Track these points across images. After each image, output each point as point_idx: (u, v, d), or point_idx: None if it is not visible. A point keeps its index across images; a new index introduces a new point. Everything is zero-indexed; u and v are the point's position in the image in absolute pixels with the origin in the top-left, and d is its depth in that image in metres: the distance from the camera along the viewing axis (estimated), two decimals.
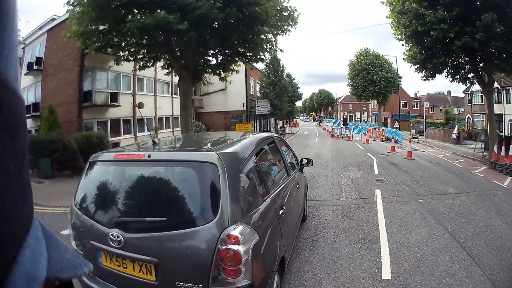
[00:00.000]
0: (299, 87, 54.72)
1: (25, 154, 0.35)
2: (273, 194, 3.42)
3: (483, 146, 17.52)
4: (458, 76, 17.39)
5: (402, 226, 6.20)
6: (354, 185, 9.81)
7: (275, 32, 12.97)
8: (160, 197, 2.78)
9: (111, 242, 2.62)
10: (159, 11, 9.61)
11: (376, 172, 12.16)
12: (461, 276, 4.17)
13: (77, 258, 0.41)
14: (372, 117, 61.61)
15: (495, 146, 13.74)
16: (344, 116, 42.63)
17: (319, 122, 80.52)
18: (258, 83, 36.77)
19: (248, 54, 13.82)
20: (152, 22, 9.38)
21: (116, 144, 16.22)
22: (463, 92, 37.28)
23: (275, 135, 5.17)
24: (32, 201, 0.37)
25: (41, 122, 14.96)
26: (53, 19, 18.74)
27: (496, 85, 23.88)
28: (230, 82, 19.75)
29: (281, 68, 37.00)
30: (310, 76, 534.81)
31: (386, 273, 4.30)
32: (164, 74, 16.58)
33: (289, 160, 5.23)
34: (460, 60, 17.02)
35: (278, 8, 11.91)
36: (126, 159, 3.02)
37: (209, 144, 3.74)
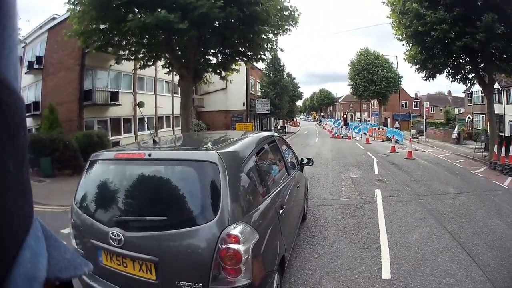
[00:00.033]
0: (299, 87, 54.85)
1: (25, 154, 0.35)
2: (273, 194, 3.42)
3: (483, 146, 17.52)
4: (458, 77, 17.40)
5: (402, 226, 6.20)
6: (354, 184, 9.81)
7: (275, 32, 12.96)
8: (161, 196, 2.78)
9: (111, 241, 2.62)
10: (159, 10, 9.60)
11: (376, 171, 12.16)
12: (461, 276, 4.17)
13: (77, 258, 0.41)
14: (373, 117, 61.60)
15: (495, 146, 13.73)
16: (345, 116, 42.68)
17: (319, 122, 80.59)
18: (258, 82, 36.77)
19: (248, 53, 13.81)
20: (153, 21, 9.38)
21: (116, 143, 16.23)
22: (463, 92, 37.30)
23: (276, 134, 5.17)
24: (32, 201, 0.37)
25: (42, 121, 14.96)
26: (54, 18, 18.74)
27: (496, 85, 23.89)
28: (230, 82, 19.80)
29: (282, 68, 37.01)
30: (311, 75, 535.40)
31: (386, 273, 4.30)
32: (165, 73, 16.56)
33: (289, 160, 5.23)
34: (461, 60, 17.03)
35: (279, 7, 11.90)
36: (127, 158, 3.02)
37: (209, 143, 3.73)
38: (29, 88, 18.86)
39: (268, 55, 15.39)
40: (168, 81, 24.10)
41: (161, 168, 2.86)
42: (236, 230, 2.44)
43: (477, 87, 25.56)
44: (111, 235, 2.62)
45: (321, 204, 7.77)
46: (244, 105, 31.66)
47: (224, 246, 2.38)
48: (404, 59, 17.92)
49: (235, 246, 2.39)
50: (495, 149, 13.64)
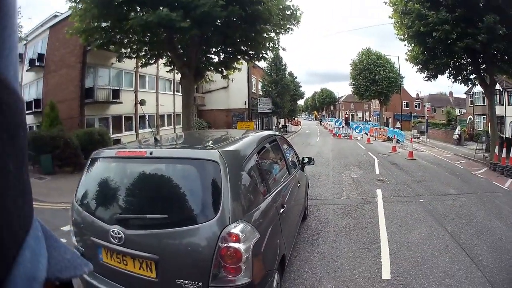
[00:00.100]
0: (301, 86, 54.72)
1: (25, 154, 0.35)
2: (274, 193, 3.42)
3: (484, 147, 17.53)
4: (460, 77, 17.38)
5: (402, 226, 6.20)
6: (355, 184, 9.80)
7: (277, 31, 12.96)
8: (161, 194, 2.78)
9: (111, 239, 2.62)
10: (161, 8, 9.62)
11: (377, 171, 12.15)
12: (460, 277, 4.17)
13: (77, 258, 0.40)
14: (374, 117, 61.61)
15: (496, 147, 13.72)
16: (346, 116, 42.73)
17: (320, 121, 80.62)
18: (260, 81, 36.79)
19: (250, 52, 13.82)
20: (155, 20, 9.39)
21: (117, 141, 16.28)
22: (465, 93, 37.22)
23: (277, 133, 5.16)
24: (32, 201, 0.37)
25: (43, 119, 14.99)
26: (55, 16, 18.77)
27: (498, 86, 23.82)
28: (232, 80, 19.78)
29: (283, 67, 37.03)
30: (313, 75, 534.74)
31: (386, 273, 4.30)
32: (166, 72, 16.59)
33: (290, 159, 5.23)
34: (462, 61, 17.01)
35: (281, 6, 11.90)
36: (128, 156, 3.01)
37: (210, 142, 3.73)
38: (30, 85, 18.90)
39: (269, 54, 15.38)
40: (170, 79, 24.13)
41: (162, 166, 2.87)
42: (236, 229, 2.44)
43: (478, 88, 25.54)
44: (111, 233, 2.62)
45: (322, 203, 7.76)
46: (245, 104, 31.68)
47: (225, 245, 2.38)
48: (405, 59, 17.94)
49: (236, 245, 2.39)
50: (496, 151, 13.63)
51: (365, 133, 33.36)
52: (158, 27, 10.63)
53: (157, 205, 2.73)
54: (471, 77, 17.35)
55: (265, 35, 12.64)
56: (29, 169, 0.37)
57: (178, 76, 16.35)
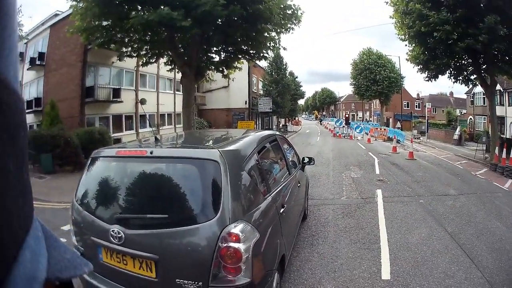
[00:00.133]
0: (301, 85, 54.66)
1: (25, 154, 0.35)
2: (274, 193, 3.42)
3: (484, 148, 17.54)
4: (460, 78, 17.39)
5: (402, 226, 6.20)
6: (355, 184, 9.80)
7: (278, 30, 12.94)
8: (162, 194, 2.78)
9: (111, 239, 2.62)
10: (162, 7, 9.61)
11: (377, 172, 12.15)
12: (460, 278, 4.17)
13: (77, 258, 0.40)
14: (374, 117, 61.60)
15: (497, 148, 13.72)
16: (347, 115, 42.66)
17: (320, 121, 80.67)
18: (260, 80, 36.77)
19: (251, 51, 13.80)
20: (156, 19, 9.38)
21: (118, 140, 16.28)
22: (465, 93, 37.24)
23: (277, 133, 5.16)
24: (32, 201, 0.37)
25: (43, 117, 14.99)
26: (56, 15, 18.79)
27: (498, 87, 23.83)
28: (233, 80, 19.74)
29: (284, 66, 36.97)
30: (314, 74, 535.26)
31: (385, 274, 4.30)
32: (167, 71, 16.58)
33: (290, 159, 5.23)
34: (463, 61, 17.00)
35: (282, 6, 11.88)
36: (128, 155, 3.01)
37: (211, 142, 3.73)
38: (30, 84, 18.93)
39: (270, 54, 15.40)
40: (170, 79, 24.13)
41: (162, 165, 2.87)
42: (236, 228, 2.44)
43: (479, 89, 25.58)
44: (111, 232, 2.62)
45: (322, 203, 7.76)
46: (246, 103, 31.66)
47: (225, 245, 2.38)
48: (406, 59, 17.94)
49: (236, 245, 2.39)
50: (496, 151, 13.64)
51: (366, 133, 33.37)
52: (159, 26, 10.63)
53: (157, 205, 2.73)
54: (472, 77, 17.36)
55: (266, 34, 12.63)
56: (29, 168, 0.37)
57: (178, 75, 16.38)
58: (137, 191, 2.87)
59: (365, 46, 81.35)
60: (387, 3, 16.66)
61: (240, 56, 14.18)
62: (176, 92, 24.51)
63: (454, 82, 17.70)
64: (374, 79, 42.62)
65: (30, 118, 17.30)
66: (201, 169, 2.66)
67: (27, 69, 18.62)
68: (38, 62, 17.85)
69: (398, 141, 24.35)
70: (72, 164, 11.85)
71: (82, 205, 3.02)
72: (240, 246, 2.40)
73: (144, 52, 13.10)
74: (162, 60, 14.98)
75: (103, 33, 11.50)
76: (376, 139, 30.09)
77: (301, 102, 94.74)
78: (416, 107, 58.40)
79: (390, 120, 52.42)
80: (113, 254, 2.71)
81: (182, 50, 12.85)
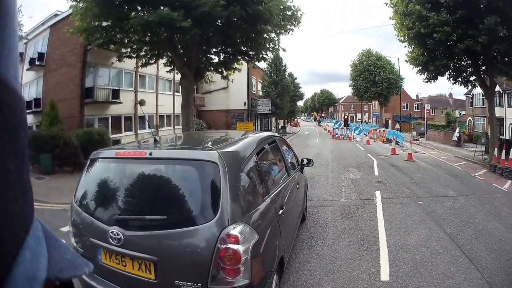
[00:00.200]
0: (300, 87, 54.75)
1: (25, 154, 0.35)
2: (273, 194, 3.42)
3: (483, 149, 17.55)
4: (460, 79, 17.40)
5: (401, 228, 6.20)
6: (354, 186, 9.80)
7: (278, 31, 12.95)
8: (161, 195, 2.77)
9: (110, 240, 2.62)
10: (162, 8, 9.61)
11: (376, 173, 12.16)
12: (459, 278, 4.17)
13: (77, 258, 0.40)
14: (373, 118, 61.61)
15: (496, 149, 13.72)
16: (346, 117, 42.77)
17: (318, 122, 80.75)
18: (260, 82, 36.79)
19: (250, 52, 13.80)
20: (156, 19, 9.39)
21: (117, 141, 16.27)
22: (464, 94, 37.26)
23: (276, 134, 5.16)
24: (33, 201, 0.37)
25: (42, 118, 14.99)
26: (56, 15, 18.78)
27: (497, 88, 23.86)
28: (232, 81, 19.75)
29: (283, 68, 37.04)
30: (313, 75, 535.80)
31: (384, 275, 4.30)
32: (166, 72, 16.59)
33: (289, 160, 5.23)
34: (462, 62, 17.00)
35: (282, 7, 11.90)
36: (127, 156, 3.01)
37: (210, 143, 3.73)
38: (30, 84, 18.88)
39: (270, 55, 15.38)
40: (170, 80, 24.12)
41: (161, 167, 2.86)
42: (235, 230, 2.44)
43: (478, 90, 25.56)
44: (110, 234, 2.62)
45: (321, 205, 7.76)
46: (245, 104, 31.66)
47: (224, 246, 2.38)
48: (405, 60, 17.95)
49: (235, 246, 2.39)
50: (495, 152, 13.63)
51: (365, 134, 33.35)
52: (158, 27, 10.64)
53: (156, 206, 2.73)
54: (471, 78, 17.36)
55: (265, 35, 12.63)
56: (29, 169, 0.37)
57: (178, 76, 16.35)
58: (136, 193, 2.87)
59: (364, 47, 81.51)
60: (386, 4, 16.70)
61: (240, 57, 14.19)
62: (175, 93, 24.50)
63: (453, 84, 17.72)
64: (373, 80, 42.67)
65: (29, 119, 17.24)
66: (200, 170, 2.66)
67: (27, 70, 18.58)
68: (37, 63, 17.82)
69: (397, 143, 24.41)
70: (72, 165, 11.83)
71: (81, 206, 3.01)
72: (239, 247, 2.40)
73: (143, 52, 13.10)
74: (162, 61, 15.00)
75: (103, 33, 11.51)
76: (375, 141, 30.09)
77: (300, 103, 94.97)
78: (415, 109, 58.38)
79: (389, 121, 52.37)
80: (112, 256, 2.70)
81: (181, 51, 12.86)
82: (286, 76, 38.72)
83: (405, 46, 17.25)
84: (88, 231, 2.88)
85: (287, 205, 3.91)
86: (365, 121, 66.80)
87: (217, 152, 2.70)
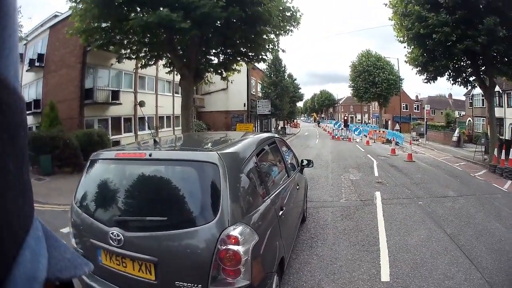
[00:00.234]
0: (300, 88, 54.72)
1: (25, 154, 0.35)
2: (273, 195, 3.42)
3: (483, 149, 17.55)
4: (459, 79, 17.40)
5: (402, 228, 6.20)
6: (354, 186, 9.80)
7: (277, 32, 12.96)
8: (161, 196, 2.77)
9: (111, 241, 2.62)
10: (162, 9, 9.62)
11: (376, 174, 12.16)
12: (459, 279, 4.17)
13: (77, 258, 0.40)
14: (373, 119, 61.62)
15: (496, 149, 13.72)
16: (345, 118, 42.77)
17: (318, 123, 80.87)
18: (259, 83, 36.81)
19: (250, 54, 13.82)
20: (155, 20, 9.39)
21: (116, 142, 16.26)
22: (464, 95, 37.29)
23: (276, 135, 5.16)
24: (33, 201, 0.37)
25: (42, 119, 14.98)
26: (56, 16, 18.78)
27: (497, 88, 23.89)
28: (231, 82, 19.79)
29: (283, 69, 37.04)
30: (313, 75, 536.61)
31: (385, 275, 4.29)
32: (166, 73, 16.58)
33: (289, 161, 5.23)
34: (462, 63, 17.00)
35: (281, 8, 11.92)
36: (127, 157, 3.01)
37: (210, 144, 3.73)
38: (30, 85, 18.86)
39: (269, 56, 15.40)
40: (169, 81, 24.13)
41: (161, 168, 2.86)
42: (235, 231, 2.43)
43: (478, 90, 25.58)
44: (111, 235, 2.61)
45: (321, 206, 7.76)
46: (244, 105, 31.69)
47: (224, 247, 2.38)
48: (405, 61, 17.95)
49: (235, 247, 2.39)
50: (495, 152, 13.62)
51: (364, 135, 33.37)
52: (158, 28, 10.64)
53: (156, 207, 2.73)
54: (471, 79, 17.37)
55: (265, 36, 12.64)
56: (29, 169, 0.37)
57: (177, 78, 16.36)
58: (136, 194, 2.87)
59: (364, 48, 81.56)
60: (386, 5, 16.70)
61: (239, 58, 14.20)
62: (175, 95, 24.49)
63: (453, 84, 17.73)
64: (373, 81, 42.69)
65: (29, 120, 17.22)
66: (200, 171, 2.66)
67: (26, 71, 18.56)
68: (37, 64, 17.78)
69: (397, 143, 24.42)
70: (71, 166, 11.83)
71: (81, 207, 3.01)
72: (239, 248, 2.40)
73: (143, 54, 13.10)
74: (161, 62, 14.99)
75: (102, 34, 11.51)
76: (375, 141, 30.13)
77: (299, 104, 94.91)
78: (415, 109, 58.40)
79: (389, 122, 52.41)
80: (112, 257, 2.70)
81: (181, 52, 12.87)
82: (286, 77, 38.70)
83: (405, 47, 17.28)
84: (88, 232, 2.88)
85: (287, 206, 3.91)
86: (364, 121, 66.82)
87: (217, 153, 2.70)
